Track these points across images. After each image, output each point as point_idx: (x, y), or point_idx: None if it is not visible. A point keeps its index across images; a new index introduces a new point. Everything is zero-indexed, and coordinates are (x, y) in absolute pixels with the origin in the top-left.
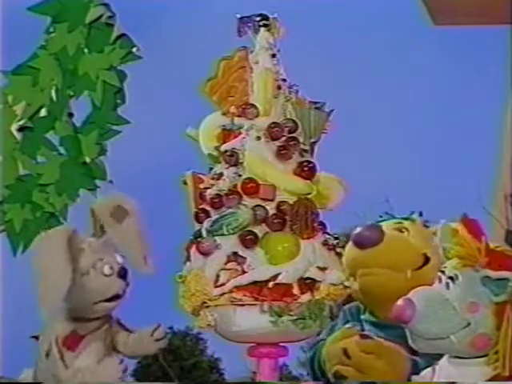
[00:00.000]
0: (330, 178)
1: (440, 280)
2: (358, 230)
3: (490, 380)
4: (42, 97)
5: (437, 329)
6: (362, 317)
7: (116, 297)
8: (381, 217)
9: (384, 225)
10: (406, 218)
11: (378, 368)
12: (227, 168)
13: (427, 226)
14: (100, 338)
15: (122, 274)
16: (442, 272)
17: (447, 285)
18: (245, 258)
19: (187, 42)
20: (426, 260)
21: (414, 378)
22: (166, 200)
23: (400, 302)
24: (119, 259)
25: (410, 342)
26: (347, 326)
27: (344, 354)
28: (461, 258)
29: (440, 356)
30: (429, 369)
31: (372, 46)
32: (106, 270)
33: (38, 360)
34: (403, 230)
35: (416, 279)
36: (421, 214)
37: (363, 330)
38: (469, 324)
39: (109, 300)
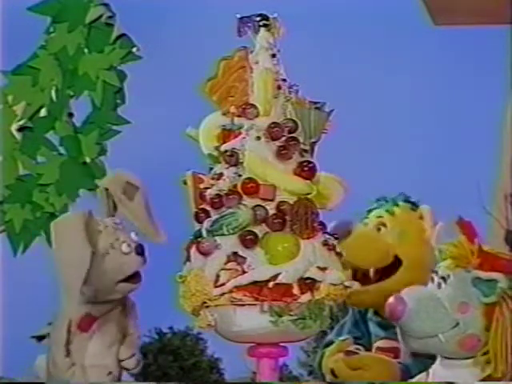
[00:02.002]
0: (330, 178)
1: (433, 280)
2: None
3: (481, 381)
4: (42, 97)
5: (427, 327)
6: (368, 315)
7: (135, 275)
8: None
9: (368, 218)
10: (394, 203)
11: (367, 380)
12: (227, 168)
13: (415, 208)
14: (113, 320)
15: (140, 250)
16: (435, 272)
17: (439, 285)
18: (245, 258)
19: (187, 42)
20: (399, 262)
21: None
22: (166, 200)
23: (391, 299)
24: (134, 237)
25: (400, 341)
26: (342, 338)
27: (331, 373)
28: (454, 258)
29: (431, 358)
30: (423, 373)
31: (372, 45)
32: (125, 248)
33: (50, 348)
34: (381, 226)
35: (392, 287)
36: (406, 199)
37: (368, 330)
38: (458, 324)
39: (129, 280)
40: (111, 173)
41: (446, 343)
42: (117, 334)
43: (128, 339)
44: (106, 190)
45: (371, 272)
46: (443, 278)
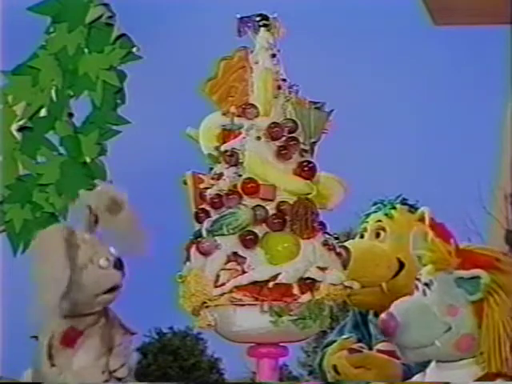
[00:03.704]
0: (330, 178)
1: (417, 288)
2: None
3: (479, 380)
4: (42, 97)
5: (421, 337)
6: (369, 317)
7: (114, 288)
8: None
9: (368, 223)
10: (391, 206)
11: (368, 380)
12: (227, 168)
13: (413, 210)
14: (97, 333)
15: (118, 265)
16: (418, 279)
17: (424, 292)
18: (245, 258)
19: (187, 41)
20: (401, 265)
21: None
22: (166, 200)
23: (383, 316)
24: (113, 251)
25: (399, 355)
26: (344, 336)
27: (334, 370)
28: (433, 262)
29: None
30: (419, 374)
31: (372, 45)
32: (103, 262)
33: (36, 361)
34: (380, 231)
35: (394, 289)
36: (403, 202)
37: (368, 332)
38: (450, 328)
39: (108, 291)
40: (95, 189)
41: (443, 348)
42: (102, 348)
43: (116, 350)
44: (89, 207)
45: (384, 286)
46: (427, 285)
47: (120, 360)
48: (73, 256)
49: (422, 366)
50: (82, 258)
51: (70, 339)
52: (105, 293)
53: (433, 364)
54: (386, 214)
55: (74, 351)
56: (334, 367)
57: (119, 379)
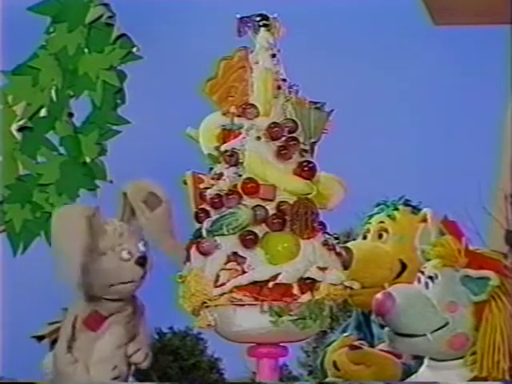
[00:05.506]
0: (330, 178)
1: (419, 280)
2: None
3: (469, 381)
4: (42, 97)
5: (415, 325)
6: (372, 317)
7: (131, 282)
8: (372, 212)
9: (370, 224)
10: (394, 208)
11: (367, 377)
12: (227, 168)
13: (416, 212)
14: (122, 322)
15: (140, 261)
16: (422, 272)
17: (426, 284)
18: (245, 258)
19: (187, 42)
20: (403, 266)
21: None
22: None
23: (380, 295)
24: (141, 247)
25: (387, 343)
26: (345, 334)
27: (334, 366)
28: (441, 257)
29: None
30: (414, 375)
31: (372, 45)
32: (124, 255)
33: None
34: (383, 232)
35: None
36: (406, 203)
37: (371, 332)
38: (447, 323)
39: (124, 283)
40: (135, 180)
41: (435, 342)
42: (125, 337)
43: (136, 338)
44: (124, 194)
45: (386, 287)
46: (431, 278)
47: (136, 345)
48: (95, 238)
49: (421, 365)
50: (104, 244)
51: (93, 323)
52: (121, 284)
53: (424, 365)
54: (389, 216)
55: (97, 336)
56: (334, 363)
57: (136, 364)
